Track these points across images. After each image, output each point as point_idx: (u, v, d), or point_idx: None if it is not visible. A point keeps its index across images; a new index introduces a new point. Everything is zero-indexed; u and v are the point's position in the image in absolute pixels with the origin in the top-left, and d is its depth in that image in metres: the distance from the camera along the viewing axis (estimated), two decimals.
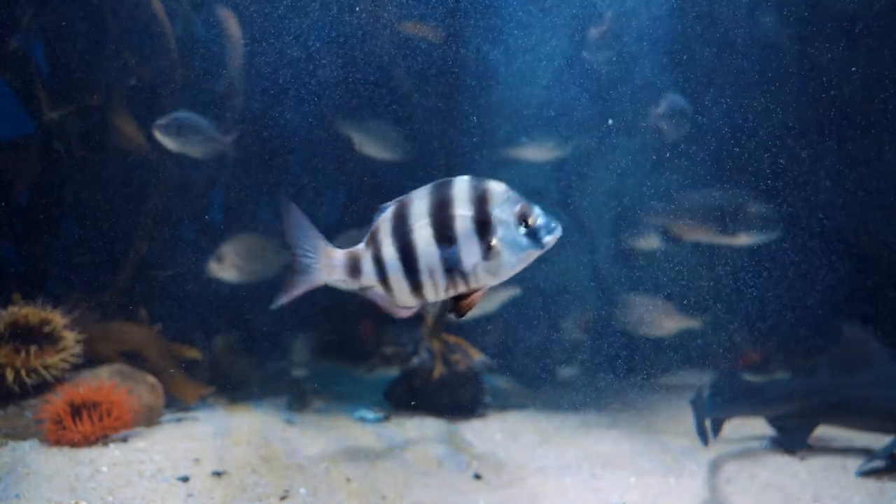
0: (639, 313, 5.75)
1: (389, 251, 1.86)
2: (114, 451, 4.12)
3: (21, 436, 4.26)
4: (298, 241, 1.94)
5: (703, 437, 4.77)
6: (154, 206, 5.45)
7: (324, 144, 6.12)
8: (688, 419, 5.27)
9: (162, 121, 4.89)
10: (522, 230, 1.81)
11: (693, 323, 5.69)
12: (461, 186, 1.83)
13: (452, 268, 1.83)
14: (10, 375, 4.31)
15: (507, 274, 1.84)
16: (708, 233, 5.07)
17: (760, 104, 5.74)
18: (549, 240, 1.83)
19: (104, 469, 3.86)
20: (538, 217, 1.82)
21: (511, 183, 1.89)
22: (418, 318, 5.75)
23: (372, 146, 5.69)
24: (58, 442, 4.14)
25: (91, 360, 4.70)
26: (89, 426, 4.16)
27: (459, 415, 5.39)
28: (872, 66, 5.85)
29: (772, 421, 4.76)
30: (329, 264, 1.93)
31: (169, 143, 4.91)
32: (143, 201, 5.47)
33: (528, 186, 6.58)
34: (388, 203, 1.89)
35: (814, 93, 5.80)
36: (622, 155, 6.47)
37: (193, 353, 5.28)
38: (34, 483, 3.64)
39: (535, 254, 1.83)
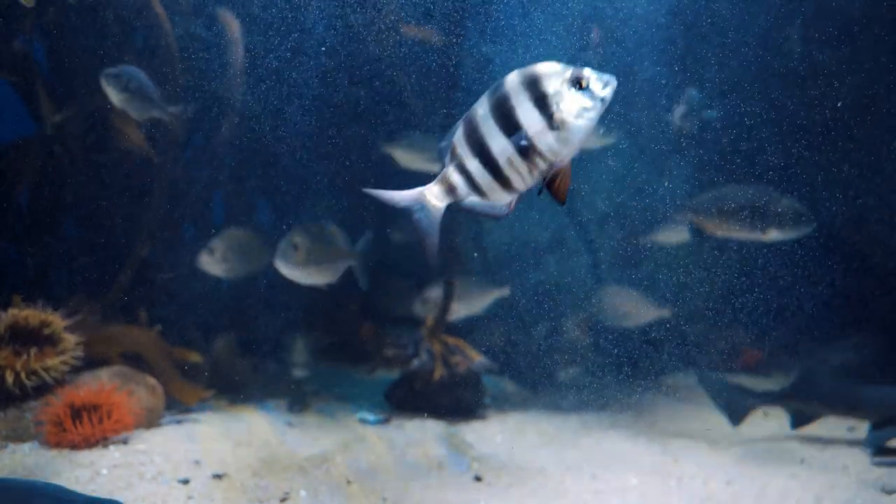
0: (633, 310, 5.75)
1: (469, 158, 1.98)
2: (114, 453, 4.11)
3: (21, 438, 4.25)
4: (401, 203, 2.07)
5: (735, 418, 4.86)
6: (155, 207, 5.44)
7: (325, 146, 6.11)
8: (688, 420, 5.29)
9: (112, 70, 4.63)
10: (579, 93, 1.89)
11: (690, 322, 5.69)
12: (511, 79, 1.94)
13: (526, 149, 1.92)
14: (9, 377, 4.30)
15: (580, 137, 1.91)
16: (738, 229, 5.00)
17: (758, 104, 5.73)
18: (606, 92, 1.90)
19: (104, 471, 3.86)
20: (590, 76, 1.89)
21: None
22: (419, 319, 5.75)
23: (415, 160, 5.58)
24: (58, 444, 4.13)
25: (91, 362, 4.68)
26: (89, 428, 4.16)
27: (460, 416, 5.39)
28: (873, 66, 5.84)
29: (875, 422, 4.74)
30: (432, 198, 2.05)
31: (113, 95, 4.67)
32: (143, 203, 5.46)
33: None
34: (454, 126, 2.02)
35: (812, 93, 5.80)
36: (623, 153, 6.45)
37: (194, 357, 5.26)
38: None
39: (599, 109, 1.90)
